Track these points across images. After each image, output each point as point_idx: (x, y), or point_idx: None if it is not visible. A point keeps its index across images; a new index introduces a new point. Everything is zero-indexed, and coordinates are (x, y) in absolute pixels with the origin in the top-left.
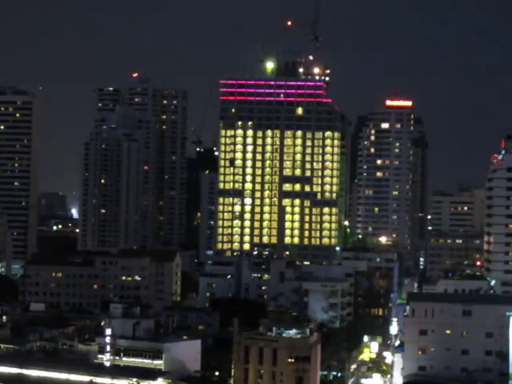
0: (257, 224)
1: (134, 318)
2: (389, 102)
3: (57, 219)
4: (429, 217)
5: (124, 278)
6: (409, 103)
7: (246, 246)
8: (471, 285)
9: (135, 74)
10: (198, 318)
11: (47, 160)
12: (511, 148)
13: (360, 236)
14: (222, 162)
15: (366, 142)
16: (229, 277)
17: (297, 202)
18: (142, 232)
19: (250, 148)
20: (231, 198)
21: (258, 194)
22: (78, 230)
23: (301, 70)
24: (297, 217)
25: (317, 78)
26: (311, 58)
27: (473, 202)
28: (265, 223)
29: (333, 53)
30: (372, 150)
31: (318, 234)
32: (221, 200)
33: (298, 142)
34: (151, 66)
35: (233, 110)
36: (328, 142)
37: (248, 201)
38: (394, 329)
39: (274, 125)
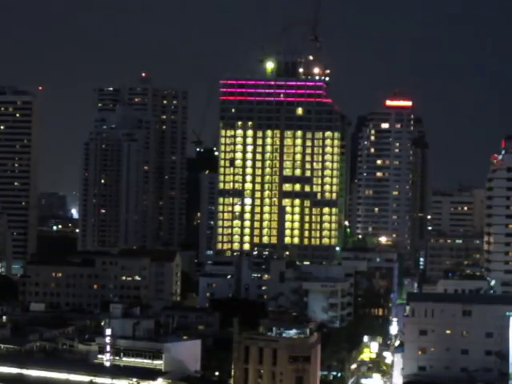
0: (257, 224)
1: (134, 318)
2: (389, 102)
3: (57, 219)
4: (429, 217)
5: (124, 278)
6: (409, 103)
7: (246, 246)
8: (471, 285)
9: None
10: (197, 318)
11: (47, 160)
12: (511, 148)
13: (360, 236)
14: (222, 162)
15: (366, 142)
16: (229, 277)
17: (297, 202)
18: (142, 232)
19: (249, 148)
20: (231, 198)
21: (258, 194)
22: (77, 230)
23: (301, 70)
24: (297, 217)
25: (317, 77)
26: (311, 58)
27: (473, 202)
28: (265, 223)
29: (333, 53)
30: (372, 150)
31: (318, 234)
32: (221, 200)
33: (298, 142)
34: (151, 66)
35: (233, 110)
36: (328, 142)
37: (248, 201)
38: (393, 329)
39: (274, 125)
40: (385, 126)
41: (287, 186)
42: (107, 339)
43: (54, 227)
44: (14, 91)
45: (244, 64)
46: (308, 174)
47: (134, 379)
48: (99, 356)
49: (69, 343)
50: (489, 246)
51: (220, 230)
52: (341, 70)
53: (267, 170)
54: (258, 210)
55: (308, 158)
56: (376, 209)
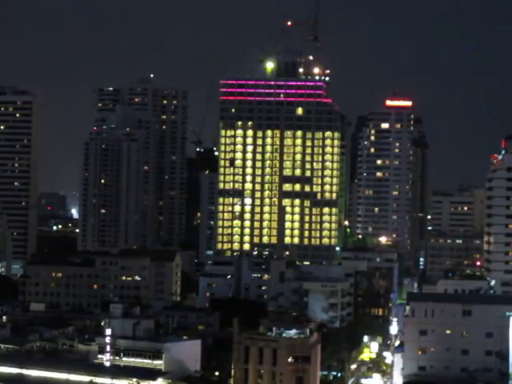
0: (257, 224)
1: (134, 318)
2: (389, 102)
3: (57, 219)
4: (429, 217)
5: (124, 278)
6: (409, 103)
7: (246, 246)
8: (471, 285)
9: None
10: (197, 318)
11: (47, 160)
12: (511, 148)
13: (360, 236)
14: (222, 162)
15: (366, 142)
16: (229, 277)
17: (297, 202)
18: (142, 232)
19: (249, 148)
20: (231, 198)
21: (258, 194)
22: (77, 230)
23: (301, 70)
24: (297, 217)
25: (317, 77)
26: (311, 58)
27: (473, 202)
28: (265, 223)
29: (333, 53)
30: (372, 150)
31: (318, 234)
32: (221, 200)
33: (298, 142)
34: (151, 66)
35: (233, 110)
36: (328, 142)
37: (248, 201)
38: (393, 329)
39: (273, 125)
40: (385, 125)
41: (287, 186)
42: (107, 339)
43: (54, 227)
44: (14, 91)
45: (244, 64)
46: (308, 173)
47: (134, 379)
48: (99, 356)
49: (69, 343)
50: (489, 246)
51: (220, 230)
52: (341, 70)
53: (267, 170)
54: (258, 209)
55: (308, 157)
56: (376, 209)
